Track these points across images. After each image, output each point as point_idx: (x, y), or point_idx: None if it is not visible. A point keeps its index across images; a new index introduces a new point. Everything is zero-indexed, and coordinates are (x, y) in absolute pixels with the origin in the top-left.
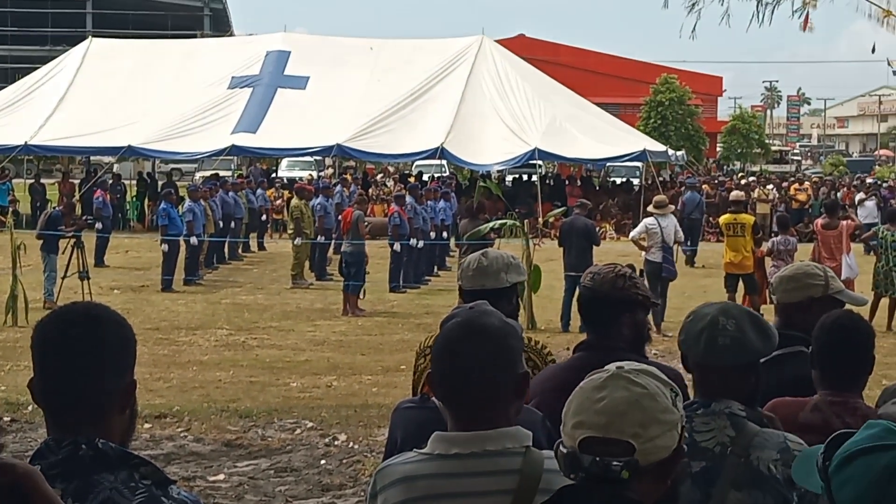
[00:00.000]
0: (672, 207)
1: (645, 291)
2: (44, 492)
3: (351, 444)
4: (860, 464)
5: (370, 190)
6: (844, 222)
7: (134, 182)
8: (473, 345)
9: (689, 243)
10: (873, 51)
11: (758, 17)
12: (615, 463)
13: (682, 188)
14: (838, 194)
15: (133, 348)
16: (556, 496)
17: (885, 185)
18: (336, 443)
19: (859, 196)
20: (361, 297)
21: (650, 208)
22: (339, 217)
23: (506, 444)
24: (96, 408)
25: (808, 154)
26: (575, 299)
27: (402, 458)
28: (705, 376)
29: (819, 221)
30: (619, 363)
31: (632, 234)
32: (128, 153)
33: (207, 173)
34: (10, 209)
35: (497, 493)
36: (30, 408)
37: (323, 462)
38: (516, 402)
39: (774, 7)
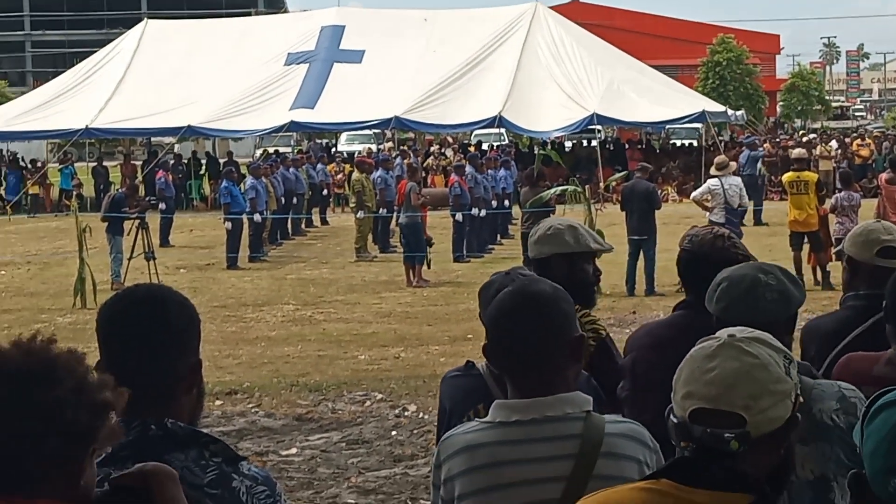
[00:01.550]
0: (734, 166)
1: (745, 251)
2: (170, 494)
3: (421, 414)
4: (884, 417)
5: (429, 160)
6: None
7: (195, 161)
8: (527, 313)
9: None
10: None
11: None
12: (726, 435)
13: (742, 147)
14: None
15: (197, 328)
16: (668, 466)
17: None
18: (406, 413)
19: None
20: (427, 267)
21: (712, 170)
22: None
23: (566, 409)
24: (163, 388)
25: (869, 109)
26: (675, 262)
27: (464, 427)
28: None
29: (883, 176)
30: (730, 330)
31: (693, 194)
32: (188, 133)
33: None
34: (74, 193)
35: (559, 458)
36: None
37: (394, 433)
38: (574, 366)
39: None
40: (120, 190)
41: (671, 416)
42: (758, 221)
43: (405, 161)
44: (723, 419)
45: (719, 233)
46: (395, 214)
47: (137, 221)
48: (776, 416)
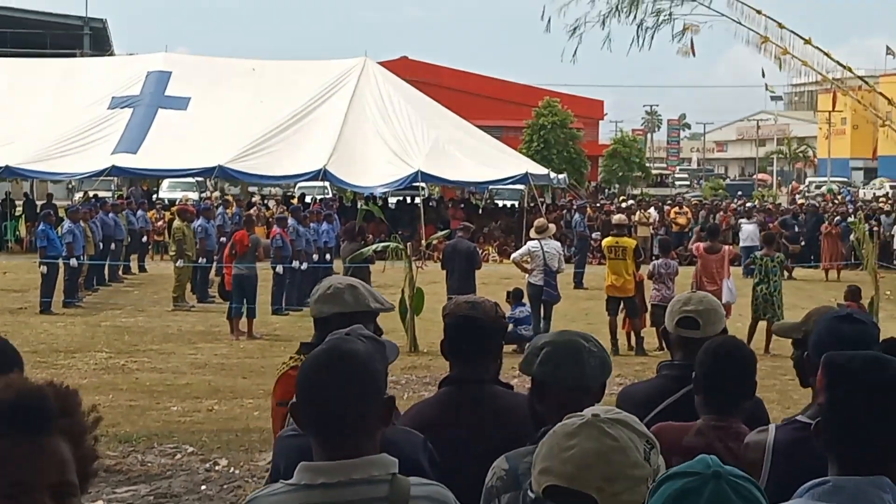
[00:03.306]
0: (553, 229)
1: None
2: None
3: (232, 469)
4: (663, 488)
5: (252, 211)
6: (726, 247)
7: (20, 203)
8: (339, 371)
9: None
10: (763, 75)
11: (638, 41)
12: None
13: (573, 210)
14: (717, 217)
15: (20, 370)
16: None
17: (762, 207)
18: (217, 468)
19: (742, 220)
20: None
21: (532, 232)
22: (223, 239)
23: (372, 472)
24: None
25: (687, 177)
26: (445, 330)
27: (269, 489)
28: (578, 400)
29: (700, 245)
30: (595, 409)
31: (513, 255)
32: (5, 173)
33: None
34: None
35: None
36: None
37: (203, 487)
38: (381, 428)
39: (654, 31)
40: None
41: (528, 490)
42: (578, 284)
43: (228, 211)
44: (576, 498)
45: (494, 301)
46: (213, 264)
47: None
48: (629, 500)
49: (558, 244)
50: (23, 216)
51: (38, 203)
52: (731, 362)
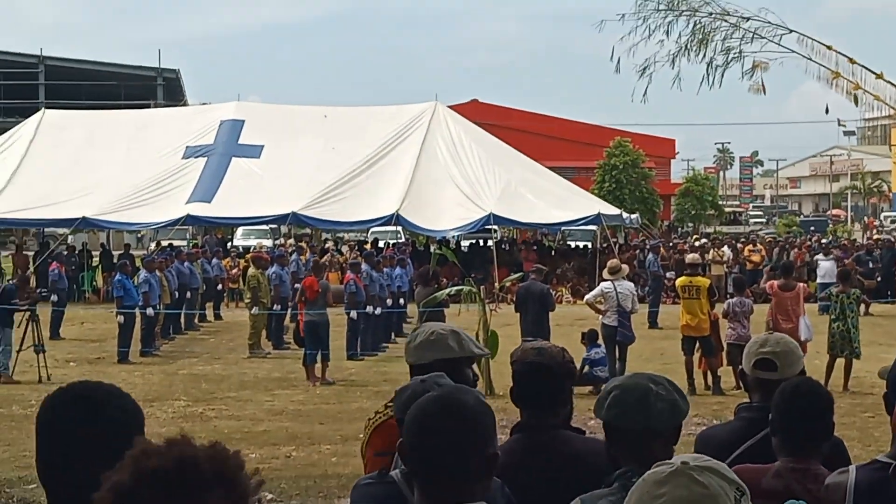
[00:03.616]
0: (626, 270)
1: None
2: None
3: None
4: None
5: (325, 257)
6: (801, 284)
7: (97, 254)
8: (450, 421)
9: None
10: (826, 111)
11: (708, 79)
12: None
13: (647, 250)
14: (791, 255)
15: (140, 429)
16: None
17: (837, 244)
18: None
19: (819, 257)
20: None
21: (605, 273)
22: (297, 285)
23: None
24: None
25: (762, 214)
26: (513, 377)
27: None
28: (647, 443)
29: (775, 283)
30: (685, 457)
31: (587, 296)
32: (82, 224)
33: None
34: None
35: None
36: (34, 485)
37: None
38: (485, 482)
39: (724, 70)
40: (11, 281)
41: None
42: (653, 324)
43: (302, 257)
44: None
45: (561, 346)
46: (288, 311)
47: (28, 313)
48: None
49: (631, 285)
50: (99, 266)
51: (115, 253)
52: (807, 404)
